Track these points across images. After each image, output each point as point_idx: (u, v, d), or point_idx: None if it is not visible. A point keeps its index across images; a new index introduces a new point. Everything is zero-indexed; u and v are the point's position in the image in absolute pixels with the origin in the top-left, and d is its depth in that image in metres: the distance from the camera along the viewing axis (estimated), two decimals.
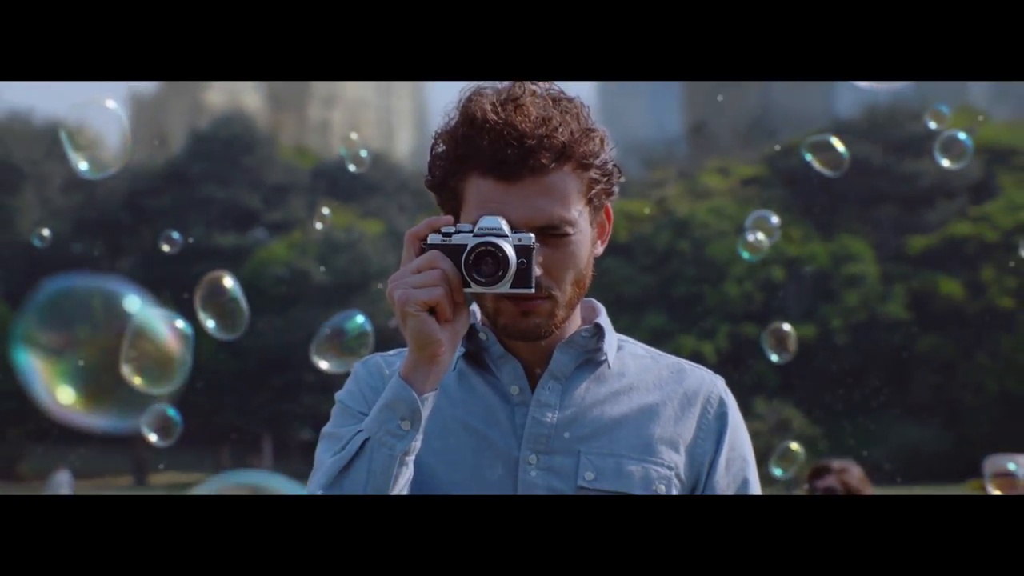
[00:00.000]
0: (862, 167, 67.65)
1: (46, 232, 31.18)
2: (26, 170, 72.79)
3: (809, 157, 7.03)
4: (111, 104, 5.18)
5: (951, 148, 7.65)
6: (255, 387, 63.09)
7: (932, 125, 7.57)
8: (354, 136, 10.48)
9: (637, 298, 63.88)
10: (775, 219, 6.40)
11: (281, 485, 2.44)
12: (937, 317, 64.66)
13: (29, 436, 66.30)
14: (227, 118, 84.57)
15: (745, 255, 6.29)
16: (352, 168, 10.66)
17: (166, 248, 10.98)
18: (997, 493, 6.69)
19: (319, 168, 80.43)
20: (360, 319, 6.20)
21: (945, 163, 7.59)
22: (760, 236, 6.60)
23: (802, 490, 6.99)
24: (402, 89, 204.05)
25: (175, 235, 11.00)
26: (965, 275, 64.57)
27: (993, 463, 6.81)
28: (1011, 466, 6.75)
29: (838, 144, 6.91)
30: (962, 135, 7.68)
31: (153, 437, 5.72)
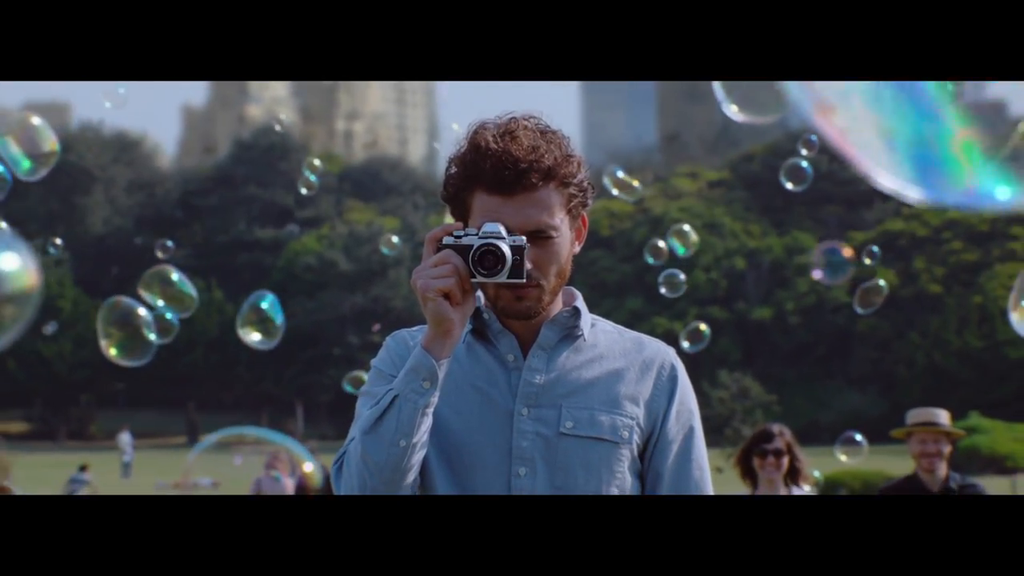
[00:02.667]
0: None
1: (59, 240, 31.04)
2: (96, 174, 72.42)
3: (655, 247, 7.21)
4: (36, 120, 5.28)
5: (794, 174, 7.74)
6: (289, 361, 62.79)
7: (803, 151, 7.65)
8: (317, 162, 10.43)
9: (618, 284, 63.70)
10: (687, 227, 6.47)
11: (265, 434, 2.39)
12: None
13: (99, 401, 66.22)
14: (266, 129, 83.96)
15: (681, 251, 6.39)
16: (303, 191, 10.69)
17: (160, 255, 10.69)
18: (919, 438, 6.73)
19: (345, 172, 79.97)
20: (269, 297, 6.17)
21: (789, 186, 7.66)
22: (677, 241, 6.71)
23: (736, 450, 7.04)
24: (416, 104, 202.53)
25: (168, 243, 10.82)
26: (899, 265, 64.27)
27: (916, 414, 6.85)
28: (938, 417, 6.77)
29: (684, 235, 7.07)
30: (804, 163, 7.77)
31: (153, 336, 5.78)
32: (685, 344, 7.23)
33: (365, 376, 2.81)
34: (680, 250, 6.25)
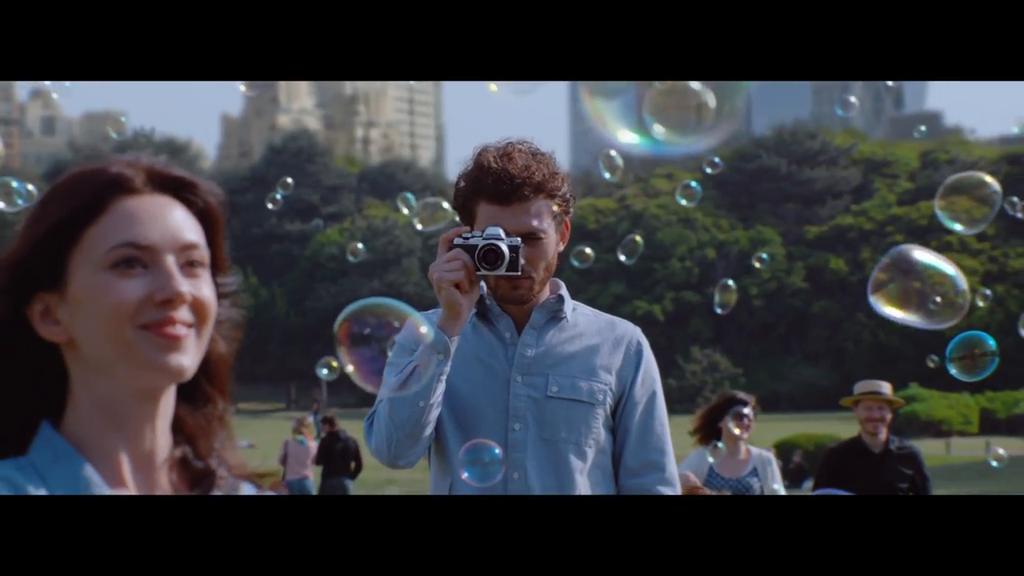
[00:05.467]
0: (772, 174, 67.58)
1: None
2: None
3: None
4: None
5: (687, 192, 7.73)
6: (315, 338, 62.83)
7: (707, 171, 7.54)
8: (290, 180, 10.50)
9: (603, 272, 63.70)
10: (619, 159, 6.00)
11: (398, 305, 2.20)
12: (827, 286, 64.52)
13: None
14: (294, 135, 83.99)
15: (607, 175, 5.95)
16: (269, 206, 10.82)
17: None
18: (867, 406, 6.73)
19: (363, 173, 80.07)
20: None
21: (683, 202, 7.58)
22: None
23: (704, 408, 6.85)
24: (426, 114, 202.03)
25: None
26: (848, 255, 64.36)
27: (862, 384, 6.92)
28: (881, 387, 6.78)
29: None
30: (694, 183, 7.72)
31: None
32: (575, 263, 7.11)
33: (337, 361, 2.88)
34: (607, 175, 5.90)
